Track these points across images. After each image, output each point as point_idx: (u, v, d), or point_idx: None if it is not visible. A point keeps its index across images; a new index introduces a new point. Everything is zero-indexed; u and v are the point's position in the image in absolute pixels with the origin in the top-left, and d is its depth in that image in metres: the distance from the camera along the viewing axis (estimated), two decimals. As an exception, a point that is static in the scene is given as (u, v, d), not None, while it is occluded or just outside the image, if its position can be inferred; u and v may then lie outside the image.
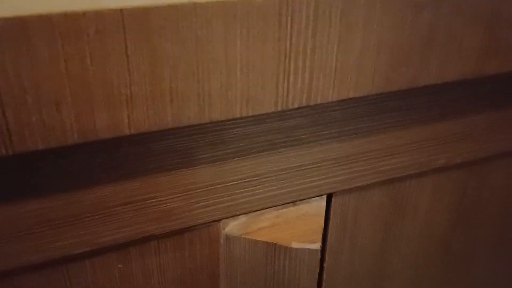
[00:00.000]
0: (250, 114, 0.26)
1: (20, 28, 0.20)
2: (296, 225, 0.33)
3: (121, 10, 0.20)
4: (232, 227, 0.32)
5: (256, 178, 0.30)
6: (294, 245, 0.33)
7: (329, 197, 0.34)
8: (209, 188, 0.29)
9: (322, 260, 0.37)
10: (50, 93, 0.21)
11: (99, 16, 0.20)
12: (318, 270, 0.36)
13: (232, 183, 0.30)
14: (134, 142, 0.26)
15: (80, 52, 0.20)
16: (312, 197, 0.33)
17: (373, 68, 0.27)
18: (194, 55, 0.23)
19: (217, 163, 0.29)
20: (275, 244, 0.33)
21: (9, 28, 0.19)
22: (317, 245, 0.34)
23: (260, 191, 0.31)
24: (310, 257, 0.34)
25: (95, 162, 0.26)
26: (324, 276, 0.37)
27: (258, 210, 0.32)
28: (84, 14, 0.20)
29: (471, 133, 0.36)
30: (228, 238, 0.32)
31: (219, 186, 0.30)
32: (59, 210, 0.26)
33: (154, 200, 0.28)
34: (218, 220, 0.31)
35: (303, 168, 0.31)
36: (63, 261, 0.28)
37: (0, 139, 0.21)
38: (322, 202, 0.34)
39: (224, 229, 0.31)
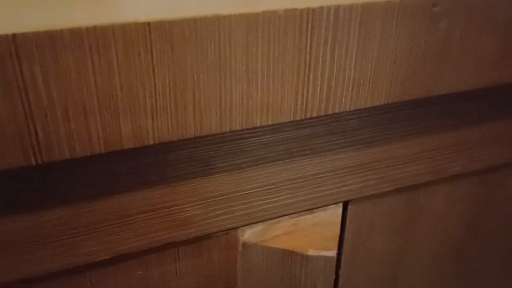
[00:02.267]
0: (270, 123, 0.26)
1: (50, 41, 0.20)
2: (312, 233, 0.34)
3: (148, 23, 0.21)
4: (249, 234, 0.32)
5: (273, 186, 0.31)
6: (311, 252, 0.34)
7: (345, 205, 0.34)
8: (227, 196, 0.30)
9: (337, 267, 0.37)
10: (78, 104, 0.21)
11: (127, 29, 0.21)
12: (333, 277, 0.36)
13: (249, 191, 0.30)
14: (155, 151, 0.27)
15: (108, 64, 0.21)
16: (328, 205, 0.33)
17: (390, 78, 0.28)
18: (216, 66, 0.24)
19: (235, 171, 0.29)
20: (292, 251, 0.33)
21: (39, 41, 0.20)
22: (333, 253, 0.35)
23: (277, 199, 0.31)
24: (326, 264, 0.35)
25: (116, 170, 0.26)
26: (340, 283, 0.38)
27: (275, 218, 0.32)
28: (112, 27, 0.20)
29: (485, 141, 0.36)
30: (245, 245, 0.32)
31: (237, 194, 0.30)
32: (80, 218, 0.27)
33: (173, 208, 0.29)
34: (236, 228, 0.31)
35: (320, 176, 0.32)
36: (86, 268, 0.28)
37: (30, 149, 0.21)
38: (338, 210, 0.34)
39: (241, 236, 0.32)
